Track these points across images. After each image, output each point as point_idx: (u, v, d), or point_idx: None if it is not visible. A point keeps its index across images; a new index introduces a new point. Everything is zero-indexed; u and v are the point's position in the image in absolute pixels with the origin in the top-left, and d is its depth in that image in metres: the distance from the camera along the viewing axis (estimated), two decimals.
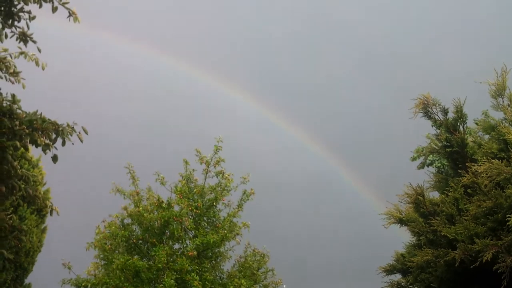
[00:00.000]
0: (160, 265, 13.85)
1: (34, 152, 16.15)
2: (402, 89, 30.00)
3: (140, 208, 14.89)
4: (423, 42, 37.01)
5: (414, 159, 20.20)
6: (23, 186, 10.65)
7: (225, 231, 14.72)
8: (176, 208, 15.02)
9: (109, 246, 14.78)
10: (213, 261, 15.25)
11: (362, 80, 38.06)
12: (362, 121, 37.57)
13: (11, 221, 10.69)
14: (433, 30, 37.25)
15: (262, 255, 15.55)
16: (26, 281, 18.72)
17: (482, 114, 16.37)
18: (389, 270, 15.26)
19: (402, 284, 15.14)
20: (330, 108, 38.46)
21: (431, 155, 18.38)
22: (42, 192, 14.50)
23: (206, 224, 15.25)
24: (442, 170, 16.74)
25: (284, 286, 15.68)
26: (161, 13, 38.74)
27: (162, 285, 13.52)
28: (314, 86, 39.05)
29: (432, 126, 15.22)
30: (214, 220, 15.25)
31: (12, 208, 16.60)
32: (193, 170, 15.78)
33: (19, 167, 10.32)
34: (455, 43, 36.36)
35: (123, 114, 36.86)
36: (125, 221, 15.11)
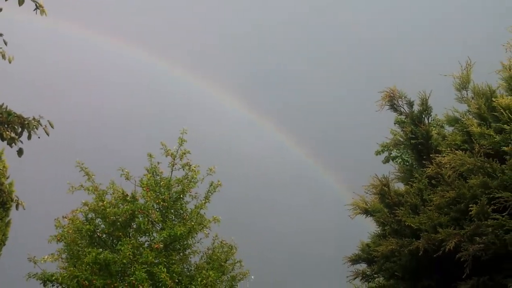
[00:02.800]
0: (125, 260, 13.84)
1: None
2: (372, 80, 30.24)
3: (105, 202, 14.81)
4: (392, 36, 37.33)
5: (378, 153, 20.47)
6: None
7: (193, 223, 14.75)
8: (141, 201, 15.00)
9: (71, 239, 14.67)
10: (181, 254, 15.27)
11: (332, 73, 38.25)
12: (335, 112, 37.78)
13: None
14: (401, 24, 37.61)
15: (230, 247, 15.60)
16: None
17: (433, 119, 16.57)
18: (355, 260, 15.42)
19: (367, 273, 15.33)
20: (304, 100, 38.64)
21: (395, 150, 18.66)
22: (7, 186, 14.38)
23: (173, 217, 15.25)
24: (407, 163, 17.02)
25: (252, 277, 15.78)
26: (145, 8, 38.34)
27: (133, 278, 13.55)
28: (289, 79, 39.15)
29: (395, 123, 15.41)
30: (182, 212, 15.25)
31: None
32: (158, 163, 15.73)
33: None
34: (422, 38, 36.84)
35: (96, 106, 36.51)
36: (89, 215, 15.00)
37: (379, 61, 36.87)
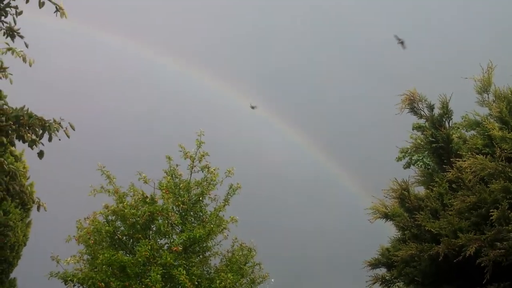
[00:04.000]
0: (140, 260, 13.87)
1: (17, 145, 16.08)
2: (392, 83, 30.11)
3: (125, 203, 14.87)
4: (413, 37, 37.08)
5: (399, 159, 20.36)
6: (6, 180, 10.60)
7: (212, 226, 14.76)
8: (160, 203, 15.03)
9: (93, 241, 14.74)
10: (201, 256, 15.29)
11: (353, 75, 38.12)
12: (354, 115, 37.71)
13: None
14: (424, 26, 37.38)
15: (249, 250, 15.59)
16: (12, 275, 18.64)
17: (462, 118, 16.45)
18: (374, 264, 15.34)
19: (387, 277, 15.23)
20: (321, 105, 38.58)
21: (415, 155, 18.51)
22: (28, 187, 14.47)
23: (193, 219, 15.28)
24: (429, 167, 16.89)
25: (272, 280, 15.74)
26: (158, 9, 38.54)
27: (148, 279, 13.58)
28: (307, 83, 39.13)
29: (413, 128, 15.26)
30: (201, 214, 15.27)
31: None
32: (177, 165, 15.75)
33: (5, 162, 10.29)
34: (444, 40, 36.62)
35: (114, 109, 36.75)
36: (109, 217, 15.06)
37: (389, 63, 36.67)
